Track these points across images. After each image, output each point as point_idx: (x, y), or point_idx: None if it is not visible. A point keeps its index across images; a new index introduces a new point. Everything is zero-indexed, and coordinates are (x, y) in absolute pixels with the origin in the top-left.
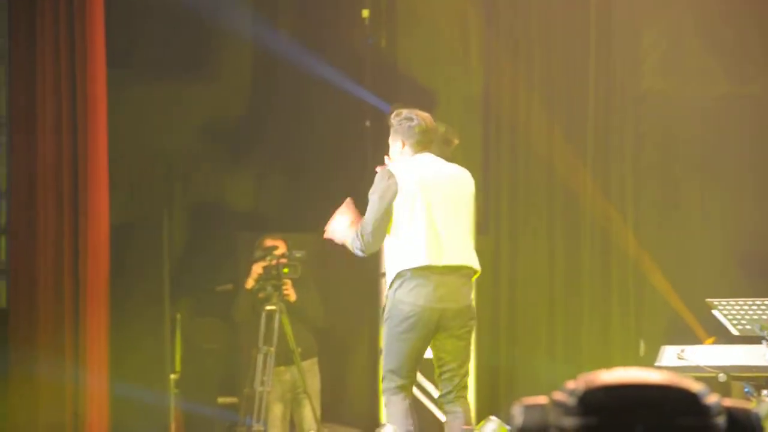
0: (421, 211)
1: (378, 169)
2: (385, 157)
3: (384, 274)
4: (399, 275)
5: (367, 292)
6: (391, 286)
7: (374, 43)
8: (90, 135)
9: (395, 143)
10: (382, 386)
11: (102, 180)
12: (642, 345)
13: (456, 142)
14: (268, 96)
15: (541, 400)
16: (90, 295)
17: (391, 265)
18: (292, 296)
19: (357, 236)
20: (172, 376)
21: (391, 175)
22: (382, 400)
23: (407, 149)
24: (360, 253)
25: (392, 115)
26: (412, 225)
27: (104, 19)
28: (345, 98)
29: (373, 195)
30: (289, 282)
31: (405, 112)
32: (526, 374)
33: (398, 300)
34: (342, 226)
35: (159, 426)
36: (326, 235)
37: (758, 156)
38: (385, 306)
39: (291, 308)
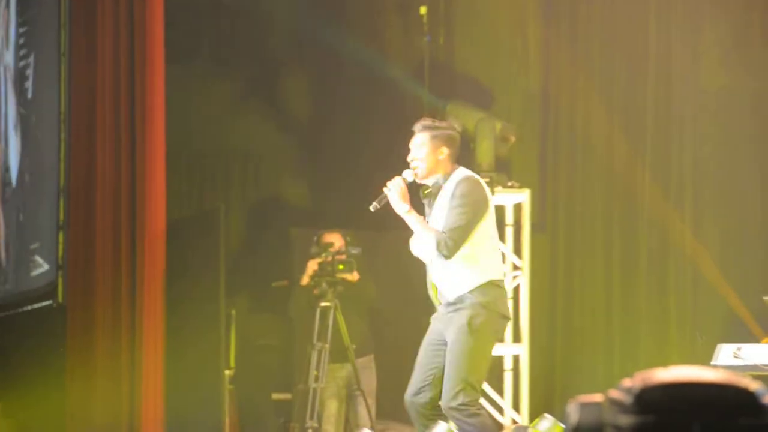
0: (493, 224)
1: (463, 175)
2: (417, 162)
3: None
4: (489, 285)
5: (423, 290)
6: (480, 296)
7: (432, 40)
8: (148, 132)
9: (438, 149)
10: (456, 401)
11: (159, 176)
12: (699, 337)
13: (513, 139)
14: (328, 94)
15: (597, 398)
16: (146, 291)
17: (473, 274)
18: (355, 276)
19: (443, 242)
20: (227, 372)
21: (483, 187)
22: (451, 414)
23: (449, 158)
24: (442, 258)
25: (428, 122)
26: (492, 236)
27: (164, 14)
28: (404, 95)
29: (467, 204)
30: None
31: (438, 120)
32: (582, 372)
33: (494, 312)
34: (400, 194)
35: (213, 421)
36: (387, 189)
37: None
38: (472, 316)
39: (350, 296)
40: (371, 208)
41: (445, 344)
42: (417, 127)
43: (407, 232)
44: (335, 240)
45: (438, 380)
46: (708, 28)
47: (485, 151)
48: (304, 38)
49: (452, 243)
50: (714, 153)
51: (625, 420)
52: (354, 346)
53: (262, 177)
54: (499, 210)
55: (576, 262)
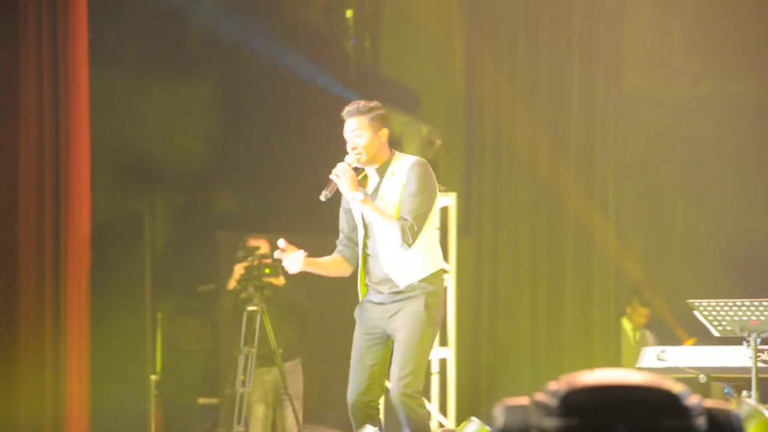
0: (436, 212)
1: (415, 159)
2: (360, 149)
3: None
4: (440, 272)
5: (351, 293)
6: (431, 284)
7: (358, 43)
8: (72, 135)
9: (378, 131)
10: (411, 388)
11: (84, 180)
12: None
13: (438, 143)
14: (251, 97)
15: (523, 401)
16: (71, 295)
17: (426, 262)
18: (281, 280)
19: (408, 229)
20: (153, 377)
21: (432, 171)
22: (404, 401)
23: (387, 139)
24: (404, 246)
25: (360, 105)
26: (436, 224)
27: (87, 18)
28: (328, 99)
29: (425, 190)
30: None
31: (366, 101)
32: (508, 375)
33: (440, 299)
34: (350, 181)
35: (139, 427)
36: (335, 175)
37: (740, 155)
38: (427, 304)
39: (277, 301)
40: (322, 197)
41: (383, 337)
42: (350, 111)
43: (332, 235)
44: (262, 244)
45: (380, 375)
46: (630, 33)
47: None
48: (227, 41)
49: (417, 230)
50: (637, 156)
51: (551, 423)
52: (281, 351)
53: (188, 180)
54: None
55: (502, 265)
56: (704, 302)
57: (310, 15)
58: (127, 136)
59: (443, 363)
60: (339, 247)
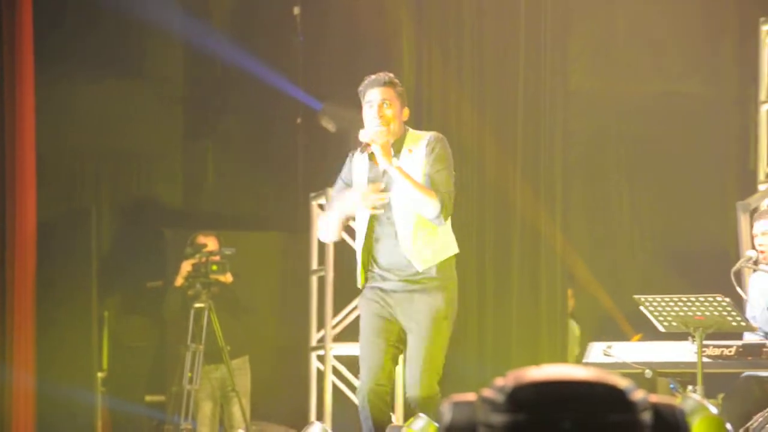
0: None
1: (434, 134)
2: (385, 119)
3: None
4: (452, 260)
5: (299, 289)
6: (448, 273)
7: (306, 40)
8: (18, 133)
9: (403, 108)
10: (433, 389)
11: (29, 178)
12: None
13: None
14: (198, 93)
15: (470, 397)
16: (17, 293)
17: (446, 243)
18: (229, 277)
19: (442, 205)
20: (99, 375)
21: None
22: (426, 403)
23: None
24: (438, 220)
25: (392, 76)
26: None
27: (32, 17)
28: (276, 95)
29: (450, 165)
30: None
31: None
32: (455, 372)
33: (456, 290)
34: (385, 148)
35: (85, 424)
36: (372, 137)
37: (686, 154)
38: (448, 300)
39: (225, 298)
40: (359, 154)
41: (395, 322)
42: (379, 80)
43: (281, 232)
44: (209, 241)
45: (393, 361)
46: (575, 32)
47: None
48: (175, 39)
49: (450, 205)
50: (584, 154)
51: (498, 418)
52: (228, 348)
53: (135, 177)
54: None
55: None
56: (650, 298)
57: (258, 11)
58: (73, 134)
59: None
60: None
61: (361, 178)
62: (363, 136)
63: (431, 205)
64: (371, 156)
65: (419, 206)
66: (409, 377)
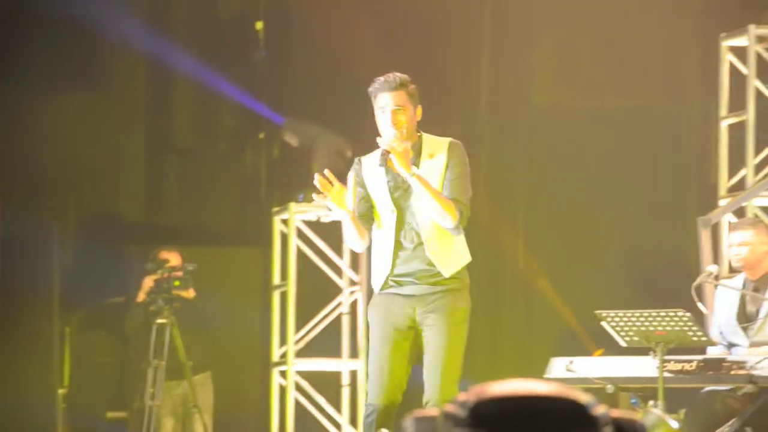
0: None
1: (451, 139)
2: (401, 126)
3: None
4: (467, 266)
5: (261, 305)
6: (466, 277)
7: (268, 55)
8: None
9: (417, 108)
10: (447, 396)
11: None
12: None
13: (349, 154)
14: (162, 107)
15: (433, 412)
16: None
17: (465, 249)
18: (191, 293)
19: (463, 210)
20: (61, 391)
21: None
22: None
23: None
24: (456, 230)
25: (403, 77)
26: None
27: None
28: (239, 110)
29: (468, 172)
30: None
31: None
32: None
33: (469, 297)
34: (404, 155)
35: None
36: (390, 144)
37: (647, 169)
38: (467, 302)
39: (187, 314)
40: (378, 164)
41: (410, 332)
42: (391, 83)
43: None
44: (172, 257)
45: (405, 376)
46: (539, 47)
47: (322, 166)
48: (138, 54)
49: (468, 213)
50: (546, 168)
51: None
52: (191, 364)
53: (98, 192)
54: (337, 225)
55: None
56: (611, 313)
57: (221, 27)
58: (36, 149)
59: (354, 375)
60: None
61: (380, 185)
62: (381, 142)
63: (449, 216)
64: (389, 163)
65: (437, 217)
66: (428, 381)
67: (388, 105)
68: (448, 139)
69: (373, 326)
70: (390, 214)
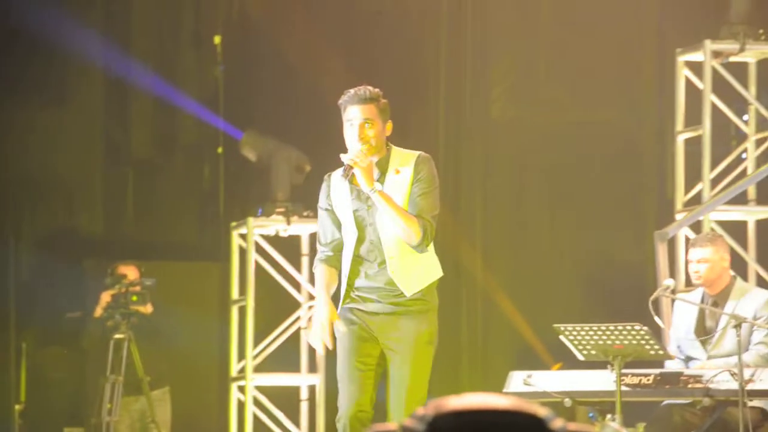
0: None
1: (420, 154)
2: (367, 141)
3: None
4: (435, 285)
5: (220, 319)
6: (431, 298)
7: (226, 69)
8: None
9: (386, 123)
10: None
11: None
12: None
13: (308, 168)
14: (120, 121)
15: (392, 426)
16: None
17: (433, 266)
18: (149, 308)
19: (429, 228)
20: (17, 407)
21: None
22: None
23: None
24: (420, 248)
25: (371, 90)
26: None
27: None
28: (197, 124)
29: (436, 187)
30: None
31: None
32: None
33: (437, 317)
34: (368, 170)
35: None
36: (353, 159)
37: (605, 183)
38: (432, 322)
39: (145, 329)
40: (341, 177)
41: (376, 340)
42: (360, 97)
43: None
44: (129, 271)
45: (374, 382)
46: (497, 61)
47: (281, 181)
48: (96, 67)
49: (433, 231)
50: (504, 182)
51: None
52: (148, 379)
53: (55, 206)
54: (295, 240)
55: None
56: (570, 327)
57: (179, 41)
58: None
59: (312, 389)
60: (322, 256)
61: (344, 201)
62: (344, 158)
63: (413, 233)
64: (352, 178)
65: (401, 233)
66: (393, 403)
67: (356, 118)
68: (416, 153)
69: (338, 339)
70: (353, 231)
